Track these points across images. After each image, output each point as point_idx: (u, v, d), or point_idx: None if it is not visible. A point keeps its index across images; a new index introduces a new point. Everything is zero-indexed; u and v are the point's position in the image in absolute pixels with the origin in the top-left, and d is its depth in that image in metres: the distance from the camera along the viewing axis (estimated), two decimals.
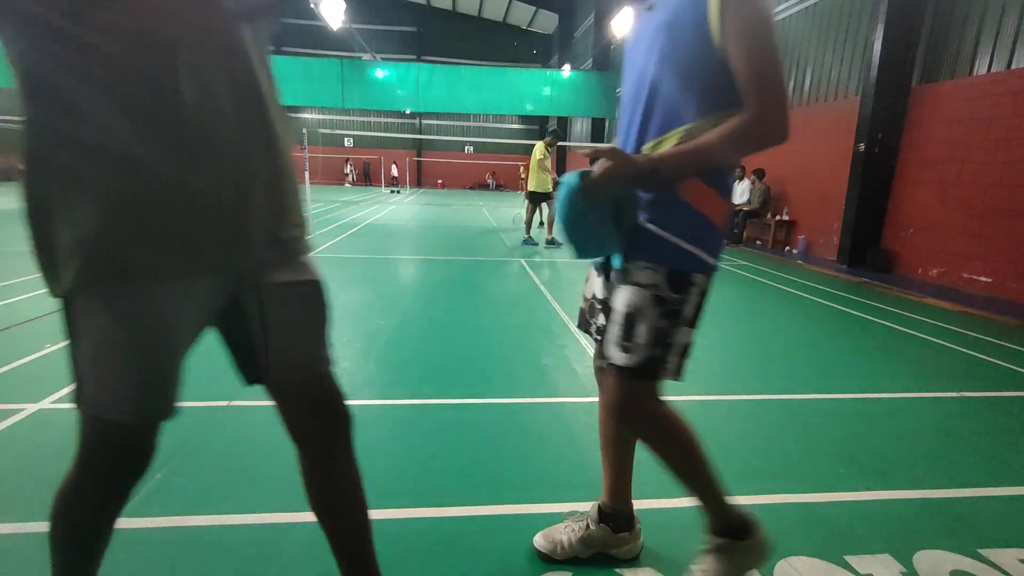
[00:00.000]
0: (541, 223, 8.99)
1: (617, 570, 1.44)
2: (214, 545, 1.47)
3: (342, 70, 16.27)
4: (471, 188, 29.44)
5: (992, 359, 3.42)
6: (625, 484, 1.47)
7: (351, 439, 1.04)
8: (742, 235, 8.89)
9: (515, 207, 11.54)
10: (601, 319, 1.32)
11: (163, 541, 1.48)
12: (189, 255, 0.81)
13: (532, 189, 7.79)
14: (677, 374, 1.18)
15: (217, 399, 2.36)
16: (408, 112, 28.31)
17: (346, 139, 29.09)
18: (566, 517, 1.53)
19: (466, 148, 30.01)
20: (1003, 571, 1.47)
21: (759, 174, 8.66)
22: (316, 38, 26.31)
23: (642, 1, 1.21)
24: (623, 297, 1.16)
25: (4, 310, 3.60)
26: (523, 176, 11.20)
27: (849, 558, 1.50)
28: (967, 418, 2.51)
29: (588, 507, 1.52)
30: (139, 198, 0.75)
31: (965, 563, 1.50)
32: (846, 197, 6.88)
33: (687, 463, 1.25)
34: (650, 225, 1.14)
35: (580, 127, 22.72)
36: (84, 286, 0.77)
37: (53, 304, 2.97)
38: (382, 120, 29.34)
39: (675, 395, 2.59)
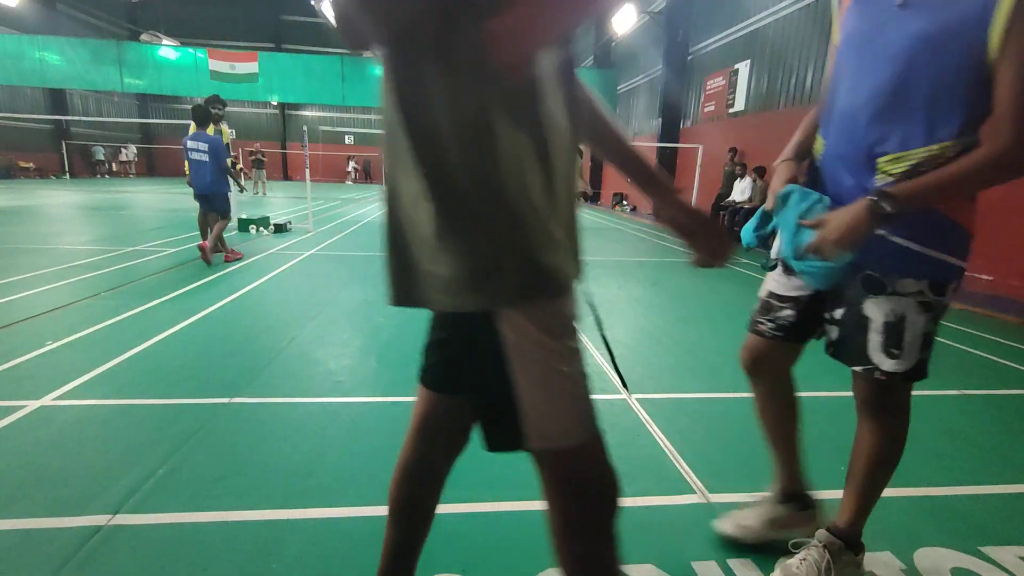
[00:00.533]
0: None
1: None
2: (216, 541, 1.47)
3: (343, 67, 16.24)
4: None
5: (993, 357, 3.42)
6: (799, 465, 1.52)
7: None
8: None
9: None
10: (786, 313, 1.35)
11: (165, 537, 1.48)
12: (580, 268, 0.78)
13: None
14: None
15: (218, 395, 2.37)
16: None
17: (347, 136, 29.07)
18: (741, 507, 1.59)
19: None
20: (1004, 569, 1.48)
21: (760, 172, 8.64)
22: (317, 35, 26.27)
23: None
24: (883, 307, 1.17)
25: (6, 307, 3.61)
26: None
27: None
28: (968, 416, 2.50)
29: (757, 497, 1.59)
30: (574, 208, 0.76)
31: (966, 561, 1.50)
32: None
33: (897, 459, 1.31)
34: (909, 243, 1.13)
35: None
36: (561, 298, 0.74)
37: (54, 301, 2.94)
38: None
39: (680, 393, 2.60)
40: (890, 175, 1.10)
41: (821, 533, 1.38)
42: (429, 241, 0.68)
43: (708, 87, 11.72)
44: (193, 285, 4.45)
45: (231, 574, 1.36)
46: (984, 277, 5.42)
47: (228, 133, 6.18)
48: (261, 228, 7.87)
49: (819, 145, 1.27)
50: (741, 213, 8.72)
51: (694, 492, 1.79)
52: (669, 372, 2.91)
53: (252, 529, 1.53)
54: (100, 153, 24.65)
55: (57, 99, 22.29)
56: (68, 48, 16.24)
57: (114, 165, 25.43)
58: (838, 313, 1.25)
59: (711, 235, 0.95)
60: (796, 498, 1.52)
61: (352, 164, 28.35)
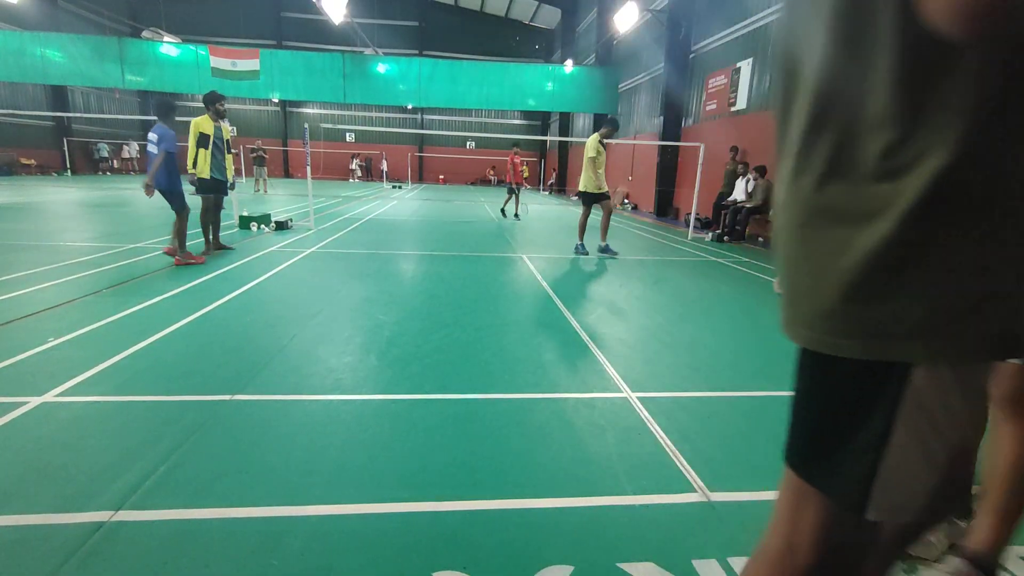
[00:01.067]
0: (525, 215, 8.96)
1: (620, 565, 1.44)
2: (217, 537, 1.48)
3: (344, 65, 16.22)
4: (472, 184, 29.39)
5: None
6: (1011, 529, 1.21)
7: None
8: (744, 232, 8.87)
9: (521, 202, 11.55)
10: None
11: (167, 534, 1.49)
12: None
13: (584, 189, 6.75)
14: None
15: (220, 392, 2.37)
16: (410, 107, 28.26)
17: (348, 134, 29.06)
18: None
19: (468, 143, 29.95)
20: (1004, 568, 1.47)
21: (760, 171, 8.62)
22: (318, 32, 26.25)
23: None
24: None
25: (8, 304, 3.62)
26: (515, 170, 11.08)
27: None
28: None
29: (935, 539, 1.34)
30: None
31: None
32: None
33: None
34: None
35: (582, 123, 22.65)
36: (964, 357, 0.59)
37: (56, 298, 2.95)
38: (383, 115, 29.30)
39: (681, 391, 2.60)
40: None
41: (957, 564, 1.17)
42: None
43: (710, 85, 11.69)
44: (195, 282, 4.45)
45: (232, 570, 1.37)
46: None
47: (229, 130, 6.18)
48: (262, 225, 7.87)
49: None
50: (743, 212, 8.71)
51: (695, 491, 1.79)
52: (670, 371, 2.91)
53: (253, 525, 1.53)
54: (104, 150, 24.72)
55: (58, 96, 22.31)
56: (69, 45, 16.25)
57: (116, 162, 25.49)
58: None
59: None
60: (989, 570, 1.22)
61: (356, 162, 28.33)
